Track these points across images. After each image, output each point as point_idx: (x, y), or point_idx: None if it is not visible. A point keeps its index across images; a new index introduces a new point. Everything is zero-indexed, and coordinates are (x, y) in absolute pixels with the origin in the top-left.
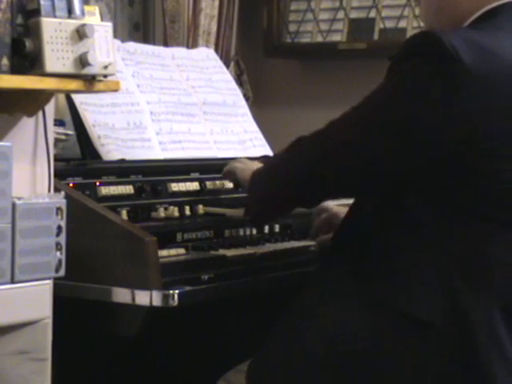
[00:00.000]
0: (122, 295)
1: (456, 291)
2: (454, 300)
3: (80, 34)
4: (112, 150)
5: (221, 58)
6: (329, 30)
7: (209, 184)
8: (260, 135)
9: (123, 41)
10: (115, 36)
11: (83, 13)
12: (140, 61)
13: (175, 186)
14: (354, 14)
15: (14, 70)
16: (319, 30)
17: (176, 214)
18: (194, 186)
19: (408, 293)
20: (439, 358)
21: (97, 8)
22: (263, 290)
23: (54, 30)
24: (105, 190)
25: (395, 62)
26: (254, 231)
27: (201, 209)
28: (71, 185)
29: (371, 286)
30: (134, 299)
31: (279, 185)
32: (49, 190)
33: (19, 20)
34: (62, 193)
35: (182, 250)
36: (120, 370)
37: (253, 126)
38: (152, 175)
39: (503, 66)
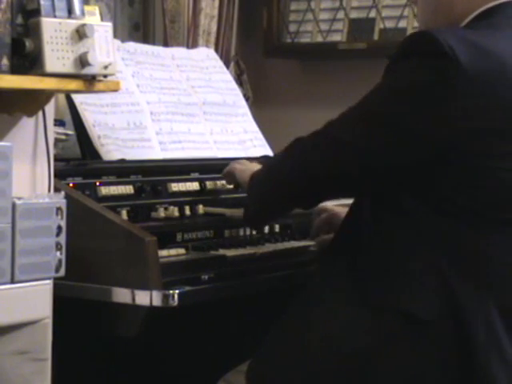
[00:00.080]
0: (122, 295)
1: (455, 291)
2: (453, 299)
3: (80, 33)
4: (112, 150)
5: (221, 58)
6: (329, 30)
7: (209, 184)
8: (260, 135)
9: (123, 41)
10: (115, 36)
11: (83, 13)
12: (140, 61)
13: (175, 186)
14: (354, 14)
15: (14, 69)
16: (319, 30)
17: (176, 213)
18: (194, 186)
19: (407, 292)
20: (438, 358)
21: (97, 8)
22: (263, 290)
23: (54, 30)
24: (105, 190)
25: (392, 61)
26: (254, 231)
27: (201, 209)
28: (71, 185)
29: (371, 286)
30: (134, 299)
31: (278, 186)
32: (49, 190)
33: (19, 20)
34: (62, 193)
35: (182, 250)
36: (120, 369)
37: (253, 126)
38: (152, 175)
39: (499, 65)
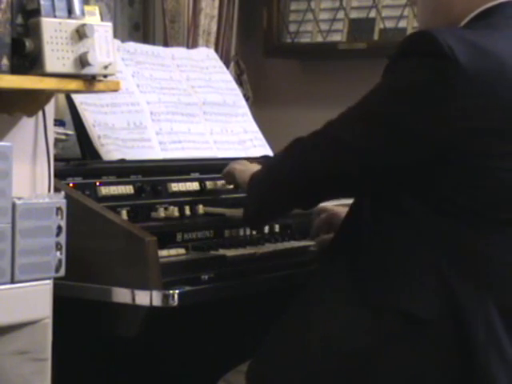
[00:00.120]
0: (122, 295)
1: (455, 291)
2: (453, 299)
3: (80, 33)
4: (112, 150)
5: (221, 58)
6: (329, 30)
7: (209, 184)
8: (260, 135)
9: (123, 41)
10: (115, 36)
11: (83, 13)
12: (140, 61)
13: (175, 186)
14: (354, 14)
15: (14, 69)
16: (319, 30)
17: (176, 213)
18: (194, 186)
19: (407, 292)
20: (438, 358)
21: (97, 8)
22: (263, 290)
23: (54, 30)
24: (105, 190)
25: (392, 61)
26: (254, 231)
27: (201, 209)
28: (71, 185)
29: (371, 286)
30: (134, 299)
31: (278, 186)
32: (49, 190)
33: (19, 20)
34: (62, 193)
35: (182, 250)
36: (120, 369)
37: (253, 126)
38: (152, 175)
39: (498, 65)
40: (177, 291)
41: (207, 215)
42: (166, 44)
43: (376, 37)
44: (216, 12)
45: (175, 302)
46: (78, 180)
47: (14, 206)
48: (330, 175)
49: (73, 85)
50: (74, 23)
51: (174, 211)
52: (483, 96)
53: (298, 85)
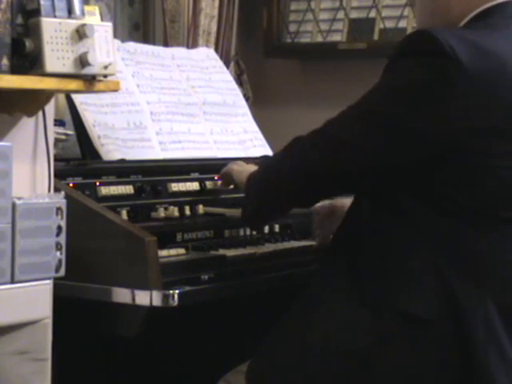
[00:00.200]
0: (122, 295)
1: (454, 290)
2: (453, 299)
3: (80, 33)
4: (112, 150)
5: (221, 58)
6: (329, 30)
7: (209, 184)
8: (260, 135)
9: (123, 41)
10: (115, 36)
11: (83, 13)
12: (140, 61)
13: (175, 186)
14: (354, 14)
15: (14, 69)
16: (319, 30)
17: (176, 213)
18: (194, 186)
19: (406, 292)
20: (437, 357)
21: (97, 8)
22: (263, 290)
23: (54, 30)
24: (105, 190)
25: (391, 60)
26: (254, 231)
27: (201, 209)
28: (71, 185)
29: (370, 286)
30: (134, 299)
31: (277, 184)
32: (49, 190)
33: (19, 20)
34: (62, 193)
35: (182, 250)
36: (120, 369)
37: (253, 126)
38: (152, 175)
39: (499, 65)
40: (177, 291)
41: (207, 215)
42: (166, 44)
43: (376, 37)
44: (216, 12)
45: (175, 302)
46: (78, 180)
47: (14, 205)
48: (330, 173)
49: (73, 85)
50: (73, 23)
51: (174, 211)
52: (484, 96)
53: (298, 85)
